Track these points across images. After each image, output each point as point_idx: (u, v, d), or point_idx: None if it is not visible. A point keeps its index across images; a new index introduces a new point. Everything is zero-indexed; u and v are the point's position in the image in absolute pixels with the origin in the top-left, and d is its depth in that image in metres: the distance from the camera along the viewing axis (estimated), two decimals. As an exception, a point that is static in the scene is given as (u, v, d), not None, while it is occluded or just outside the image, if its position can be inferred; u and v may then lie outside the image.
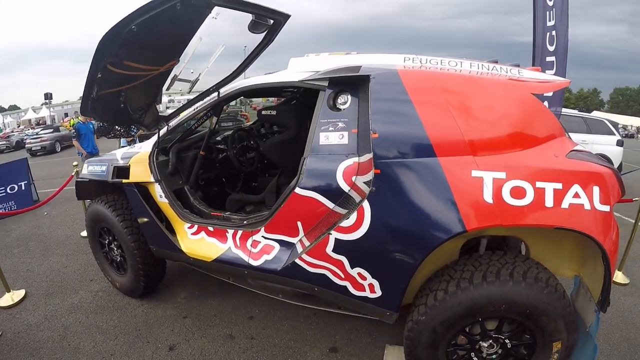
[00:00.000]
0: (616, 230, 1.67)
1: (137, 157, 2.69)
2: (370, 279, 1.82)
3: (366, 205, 1.70)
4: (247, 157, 3.10)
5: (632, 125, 45.04)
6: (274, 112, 2.59)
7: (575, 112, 9.26)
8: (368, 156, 1.74)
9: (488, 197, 1.54)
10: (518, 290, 1.62)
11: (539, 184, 1.52)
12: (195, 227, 2.48)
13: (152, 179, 2.58)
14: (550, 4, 5.18)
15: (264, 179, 3.30)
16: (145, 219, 2.65)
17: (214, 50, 2.24)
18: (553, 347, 1.75)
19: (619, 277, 3.78)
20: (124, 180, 2.70)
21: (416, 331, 1.78)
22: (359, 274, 1.83)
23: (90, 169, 3.06)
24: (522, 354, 1.84)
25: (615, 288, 3.64)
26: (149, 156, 2.62)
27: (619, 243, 1.75)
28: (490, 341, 1.80)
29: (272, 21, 2.08)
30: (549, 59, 5.43)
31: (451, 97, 1.67)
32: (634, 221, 3.68)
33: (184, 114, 2.60)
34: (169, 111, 2.98)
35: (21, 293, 3.28)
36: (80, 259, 4.00)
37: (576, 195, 1.52)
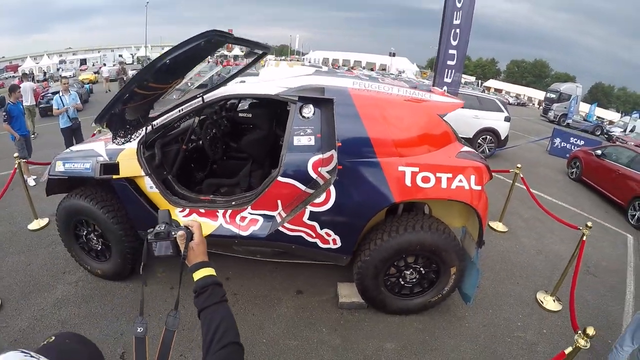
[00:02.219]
0: (485, 199, 2.75)
1: (124, 153, 2.93)
2: (333, 236, 2.68)
3: (332, 188, 2.50)
4: (215, 145, 3.62)
5: (524, 95, 52.36)
6: (250, 115, 3.19)
7: (471, 91, 10.90)
8: (329, 153, 2.53)
9: (408, 182, 2.50)
10: (427, 236, 2.62)
11: (438, 174, 2.52)
12: (187, 210, 2.93)
13: (142, 173, 2.89)
14: (459, 5, 6.30)
15: (224, 162, 3.89)
16: (139, 208, 3.00)
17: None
18: (451, 271, 2.84)
19: (499, 226, 5.28)
20: (115, 176, 2.94)
21: (364, 267, 2.72)
22: (326, 232, 2.67)
23: (69, 167, 3.12)
24: (432, 277, 2.92)
25: (497, 235, 5.14)
26: (137, 152, 2.89)
27: (488, 207, 2.83)
28: (411, 270, 2.84)
29: (261, 52, 2.65)
30: (451, 51, 6.68)
31: (387, 116, 2.53)
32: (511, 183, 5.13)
33: (169, 115, 2.99)
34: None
35: (-4, 301, 3.12)
36: (41, 254, 3.92)
37: (460, 181, 2.55)
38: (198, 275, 1.07)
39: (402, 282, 2.93)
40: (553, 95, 24.90)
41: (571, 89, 24.43)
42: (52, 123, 10.80)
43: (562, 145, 11.75)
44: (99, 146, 3.15)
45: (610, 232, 5.95)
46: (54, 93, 13.16)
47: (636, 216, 6.39)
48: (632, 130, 18.91)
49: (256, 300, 3.22)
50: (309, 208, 2.56)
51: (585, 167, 8.63)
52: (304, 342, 2.82)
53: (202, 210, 2.92)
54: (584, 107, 30.12)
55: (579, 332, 1.85)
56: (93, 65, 45.38)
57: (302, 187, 2.59)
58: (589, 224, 3.42)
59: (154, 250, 1.06)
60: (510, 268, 4.24)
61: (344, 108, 2.49)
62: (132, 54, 58.47)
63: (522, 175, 5.11)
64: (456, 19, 6.38)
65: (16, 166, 4.37)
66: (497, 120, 9.23)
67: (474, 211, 2.68)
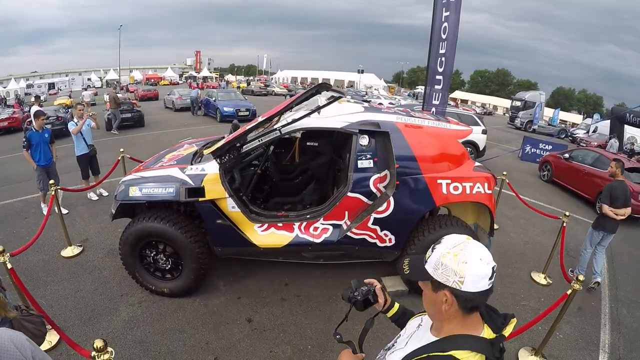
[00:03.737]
0: (494, 200, 3.85)
1: (208, 178, 3.44)
2: (389, 235, 3.65)
3: (391, 199, 3.48)
4: (277, 168, 4.46)
5: (489, 104, 56.15)
6: (316, 144, 4.15)
7: (452, 109, 12.38)
8: (384, 172, 3.52)
9: (444, 191, 3.55)
10: (456, 229, 3.66)
11: (464, 183, 3.59)
12: (266, 225, 3.60)
13: (226, 195, 3.44)
14: (444, 36, 7.62)
15: (277, 183, 4.68)
16: (224, 226, 3.53)
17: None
18: (471, 256, 3.89)
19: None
20: (201, 199, 3.44)
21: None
22: (384, 233, 3.63)
23: (147, 192, 3.50)
24: None
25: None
26: (220, 176, 3.42)
27: (496, 206, 3.93)
28: None
29: (337, 95, 3.46)
30: (438, 77, 7.99)
31: (426, 143, 3.59)
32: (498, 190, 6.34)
33: (250, 144, 3.57)
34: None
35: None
36: (86, 279, 4.07)
37: (478, 187, 3.64)
38: (392, 311, 1.55)
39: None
40: (518, 104, 27.46)
41: (535, 96, 27.10)
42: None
43: (533, 151, 13.47)
44: (175, 172, 3.60)
45: (581, 223, 7.31)
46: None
47: (603, 207, 7.81)
48: (594, 131, 21.26)
49: (318, 299, 3.94)
50: (373, 215, 3.52)
51: (555, 169, 10.14)
52: (368, 325, 3.69)
53: (280, 224, 3.65)
54: (548, 112, 33.18)
55: (574, 279, 2.93)
56: (60, 90, 44.30)
57: (365, 200, 3.56)
58: (567, 213, 4.67)
59: (357, 305, 1.49)
60: (506, 256, 5.44)
61: (396, 137, 3.49)
62: (100, 77, 58.91)
63: (507, 181, 6.34)
64: (442, 49, 7.72)
65: (53, 193, 4.54)
66: (475, 134, 10.61)
67: (487, 208, 3.78)
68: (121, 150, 6.40)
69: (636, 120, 14.25)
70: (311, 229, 3.68)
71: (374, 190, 3.54)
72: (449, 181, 3.56)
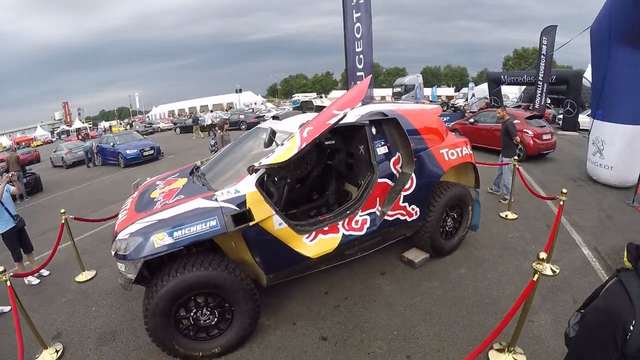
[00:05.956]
0: (474, 159, 4.97)
1: (250, 198, 3.25)
2: (416, 208, 4.43)
3: (413, 175, 4.24)
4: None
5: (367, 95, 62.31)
6: (333, 142, 4.59)
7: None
8: (397, 154, 4.27)
9: (447, 158, 4.56)
10: (458, 190, 4.70)
11: (456, 149, 4.68)
12: (313, 234, 3.69)
13: (272, 212, 3.33)
14: (359, 36, 8.69)
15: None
16: (278, 249, 3.45)
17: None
18: (469, 209, 4.95)
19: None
20: (251, 223, 3.23)
21: (430, 225, 4.56)
22: (412, 208, 4.39)
23: (181, 233, 3.02)
24: (460, 218, 4.95)
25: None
26: (260, 193, 3.30)
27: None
28: (450, 217, 4.84)
29: None
30: (359, 74, 9.10)
31: (424, 121, 4.52)
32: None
33: None
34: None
35: None
36: None
37: (465, 150, 4.78)
38: None
39: (447, 229, 4.90)
40: (400, 89, 31.45)
41: (413, 79, 31.58)
42: None
43: (436, 124, 15.94)
44: (201, 202, 3.27)
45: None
46: None
47: (512, 154, 9.97)
48: (471, 98, 25.77)
49: (365, 292, 4.27)
50: (402, 193, 4.23)
51: (464, 134, 12.26)
52: (422, 295, 4.18)
53: (326, 228, 3.82)
54: (427, 91, 38.68)
55: (558, 196, 4.12)
56: None
57: (390, 183, 4.25)
58: (516, 157, 6.31)
59: None
60: (486, 205, 6.68)
61: (402, 122, 4.24)
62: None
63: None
64: (358, 47, 8.80)
65: (9, 284, 3.44)
66: None
67: (470, 165, 4.94)
68: (62, 211, 5.39)
69: (511, 79, 18.52)
70: (353, 223, 4.01)
71: (395, 172, 4.28)
72: (447, 149, 4.58)
